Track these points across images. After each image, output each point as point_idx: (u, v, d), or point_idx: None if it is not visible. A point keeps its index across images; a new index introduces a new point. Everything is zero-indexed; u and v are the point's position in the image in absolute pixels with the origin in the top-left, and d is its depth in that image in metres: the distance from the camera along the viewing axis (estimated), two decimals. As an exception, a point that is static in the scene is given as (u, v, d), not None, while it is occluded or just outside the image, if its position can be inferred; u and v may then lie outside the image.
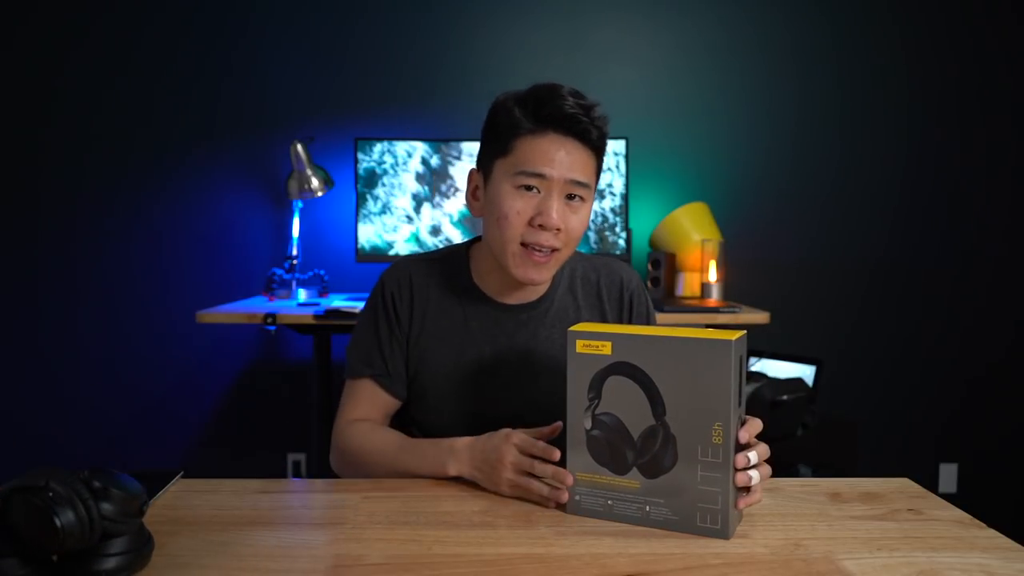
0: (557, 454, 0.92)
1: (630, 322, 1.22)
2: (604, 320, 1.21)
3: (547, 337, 1.17)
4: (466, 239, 1.36)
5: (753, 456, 0.84)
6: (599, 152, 1.10)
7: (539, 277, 1.09)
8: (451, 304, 1.17)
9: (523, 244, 1.07)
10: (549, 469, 0.92)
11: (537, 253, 1.07)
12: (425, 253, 1.24)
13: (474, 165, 1.17)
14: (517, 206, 1.06)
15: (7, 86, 2.66)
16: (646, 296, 1.25)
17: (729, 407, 0.81)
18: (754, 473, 0.84)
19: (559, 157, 1.05)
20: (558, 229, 1.06)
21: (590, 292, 1.21)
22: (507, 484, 0.95)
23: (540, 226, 1.05)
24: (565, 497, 0.91)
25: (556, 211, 1.05)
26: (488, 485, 0.97)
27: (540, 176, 1.05)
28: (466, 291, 1.17)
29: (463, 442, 1.01)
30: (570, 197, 1.07)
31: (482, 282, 1.17)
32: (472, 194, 1.15)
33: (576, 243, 1.11)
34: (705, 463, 0.83)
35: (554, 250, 1.07)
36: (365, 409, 1.17)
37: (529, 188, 1.06)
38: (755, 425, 0.88)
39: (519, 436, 0.96)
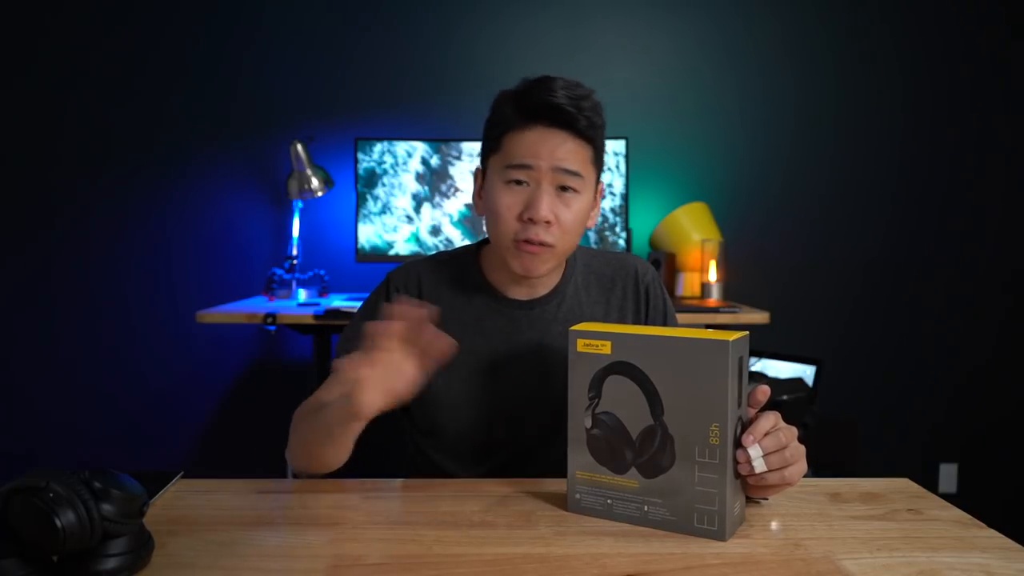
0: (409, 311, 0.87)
1: (647, 313, 1.20)
2: (621, 313, 1.19)
3: (560, 333, 1.13)
4: (465, 239, 1.36)
5: (754, 451, 0.82)
6: (592, 142, 1.06)
7: (536, 269, 1.07)
8: (462, 303, 1.15)
9: (516, 240, 1.05)
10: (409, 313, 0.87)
11: (528, 245, 1.05)
12: (433, 255, 1.21)
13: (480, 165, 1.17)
14: (507, 201, 1.05)
15: (11, 90, 2.66)
16: (662, 287, 1.23)
17: (726, 408, 0.81)
18: (757, 463, 0.82)
19: (545, 148, 1.03)
20: (548, 222, 1.04)
21: (604, 286, 1.19)
22: (412, 370, 0.87)
23: (530, 220, 1.04)
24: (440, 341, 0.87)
25: (544, 204, 1.03)
26: (403, 386, 0.88)
27: (527, 167, 1.04)
28: (477, 289, 1.16)
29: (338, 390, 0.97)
30: (563, 189, 1.05)
31: (493, 279, 1.16)
32: (477, 194, 1.15)
33: (574, 236, 1.08)
34: (702, 464, 0.83)
35: (545, 244, 1.05)
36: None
37: (519, 183, 1.05)
38: (764, 423, 0.84)
39: (368, 344, 0.87)
